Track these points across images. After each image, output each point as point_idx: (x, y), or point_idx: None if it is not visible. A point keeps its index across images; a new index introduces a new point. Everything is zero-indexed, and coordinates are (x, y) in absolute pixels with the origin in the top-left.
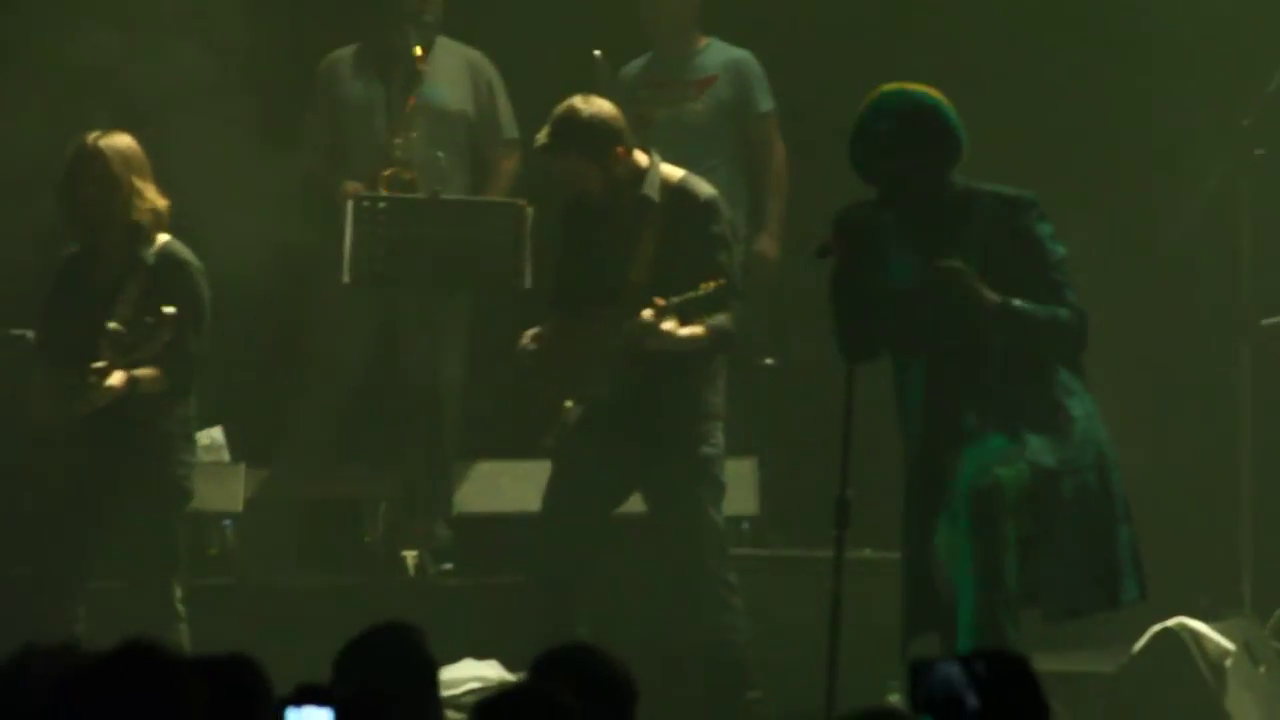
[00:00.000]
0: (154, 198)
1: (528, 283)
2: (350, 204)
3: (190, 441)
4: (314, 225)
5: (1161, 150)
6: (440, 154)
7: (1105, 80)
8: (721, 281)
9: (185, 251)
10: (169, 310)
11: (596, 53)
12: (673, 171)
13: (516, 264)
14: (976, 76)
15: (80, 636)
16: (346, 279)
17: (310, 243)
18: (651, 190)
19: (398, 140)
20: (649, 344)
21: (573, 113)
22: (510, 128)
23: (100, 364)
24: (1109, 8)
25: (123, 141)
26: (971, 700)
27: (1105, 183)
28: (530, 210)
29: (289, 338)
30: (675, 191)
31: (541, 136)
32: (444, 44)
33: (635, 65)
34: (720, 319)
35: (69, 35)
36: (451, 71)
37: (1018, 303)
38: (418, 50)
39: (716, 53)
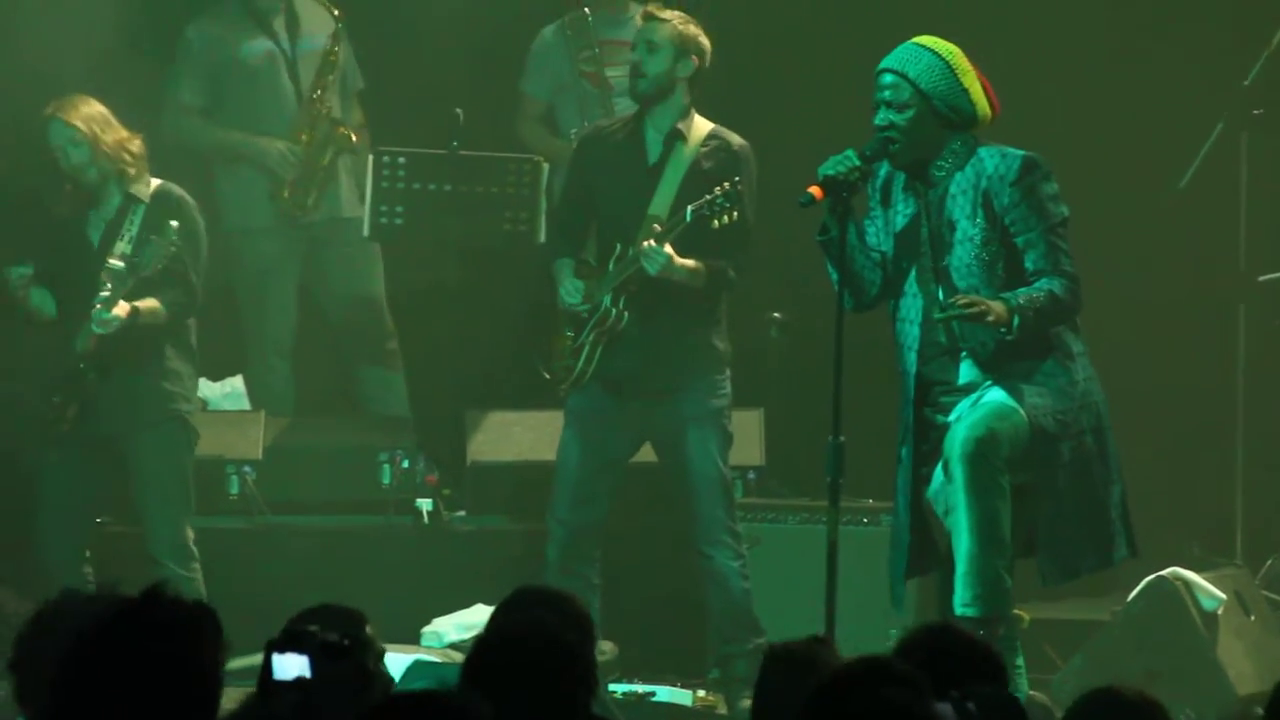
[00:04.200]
0: (127, 142)
1: (542, 237)
2: (371, 159)
3: (194, 381)
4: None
5: (1163, 109)
6: (336, 101)
7: (1104, 39)
8: (734, 183)
9: (181, 190)
10: (173, 223)
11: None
12: (703, 121)
13: (534, 218)
14: (967, 30)
15: (89, 575)
16: (366, 234)
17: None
18: (685, 128)
19: (317, 94)
20: (653, 271)
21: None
22: (360, 76)
23: (104, 294)
24: None
25: (79, 96)
26: None
27: (1109, 143)
28: (546, 165)
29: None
30: (709, 137)
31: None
32: None
33: (551, 30)
34: (721, 262)
35: None
36: (317, 21)
37: (1021, 302)
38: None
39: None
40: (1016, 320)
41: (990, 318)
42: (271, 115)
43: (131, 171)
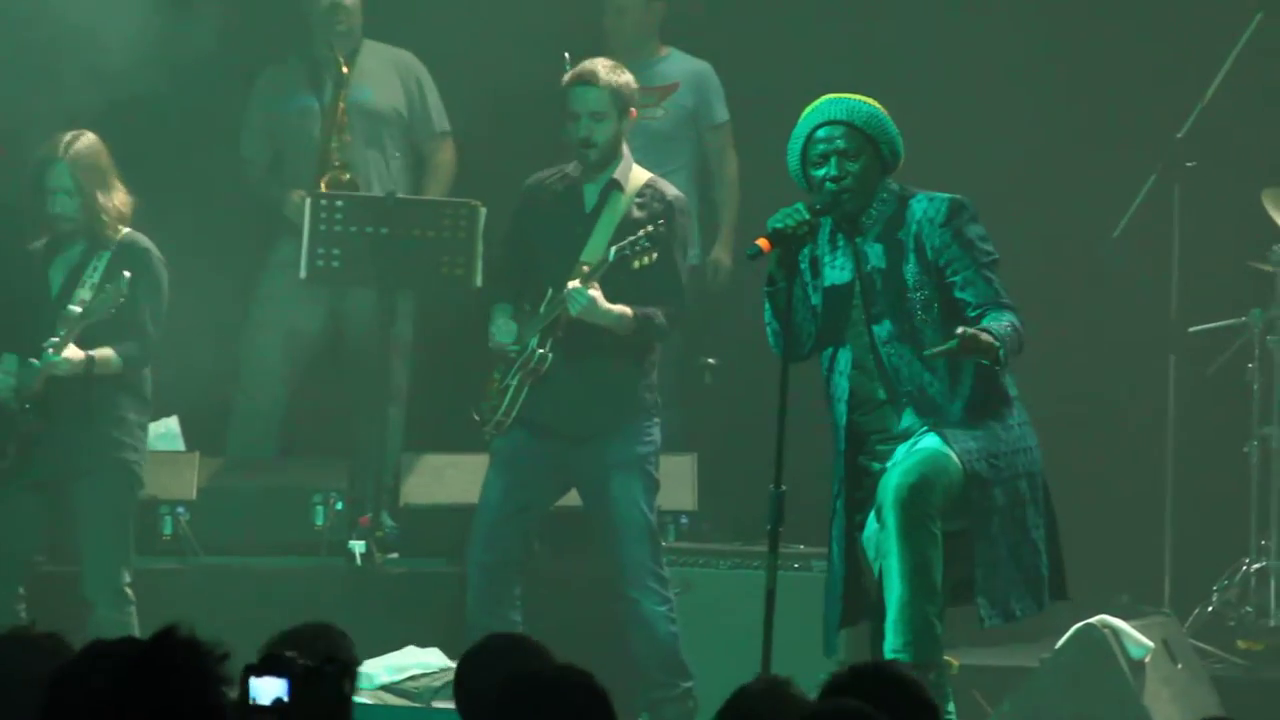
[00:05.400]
0: (119, 195)
1: (478, 281)
2: (308, 202)
3: (144, 430)
4: (256, 232)
5: (1097, 159)
6: (376, 152)
7: (1040, 89)
8: (658, 226)
9: (147, 241)
10: (126, 274)
11: (566, 54)
12: (641, 171)
13: (470, 263)
14: (914, 86)
15: (22, 613)
16: (303, 275)
17: (253, 247)
18: (623, 177)
19: (333, 144)
20: (575, 311)
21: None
22: (442, 120)
23: (55, 338)
24: (1046, 15)
25: (90, 145)
26: None
27: (1042, 192)
28: (483, 210)
29: (236, 332)
30: (645, 187)
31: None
32: (370, 47)
33: None
34: (651, 309)
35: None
36: (379, 72)
37: (1004, 330)
38: (340, 58)
39: (678, 62)
40: (1002, 351)
41: (981, 348)
42: (299, 168)
43: (107, 228)
